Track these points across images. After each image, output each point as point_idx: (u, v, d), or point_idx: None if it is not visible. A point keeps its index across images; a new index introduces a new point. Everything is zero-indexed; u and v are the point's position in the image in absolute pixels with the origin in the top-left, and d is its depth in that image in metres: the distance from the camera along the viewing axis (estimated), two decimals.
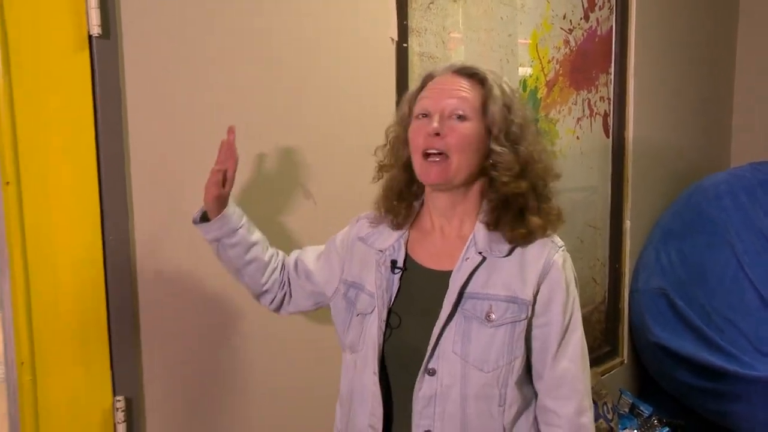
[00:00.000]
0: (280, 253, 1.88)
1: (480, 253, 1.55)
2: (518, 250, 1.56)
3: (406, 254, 1.65)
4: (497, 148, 1.54)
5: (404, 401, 1.57)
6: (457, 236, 1.61)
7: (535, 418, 1.59)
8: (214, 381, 1.97)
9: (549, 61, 2.99)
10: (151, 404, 1.84)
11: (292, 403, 2.14)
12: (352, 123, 2.20)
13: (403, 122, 1.64)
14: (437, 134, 1.52)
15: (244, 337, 2.02)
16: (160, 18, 1.77)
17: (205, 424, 1.97)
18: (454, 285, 1.54)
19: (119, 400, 1.77)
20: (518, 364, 1.53)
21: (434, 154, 1.54)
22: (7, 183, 1.57)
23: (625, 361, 3.59)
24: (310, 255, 1.85)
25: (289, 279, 1.85)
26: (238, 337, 2.01)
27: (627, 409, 3.31)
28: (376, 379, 1.58)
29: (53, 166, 1.63)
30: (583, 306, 3.28)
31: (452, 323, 1.53)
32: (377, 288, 1.62)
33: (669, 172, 3.87)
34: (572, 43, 3.10)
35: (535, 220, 1.56)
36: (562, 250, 1.59)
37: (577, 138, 3.22)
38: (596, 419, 3.16)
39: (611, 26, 3.32)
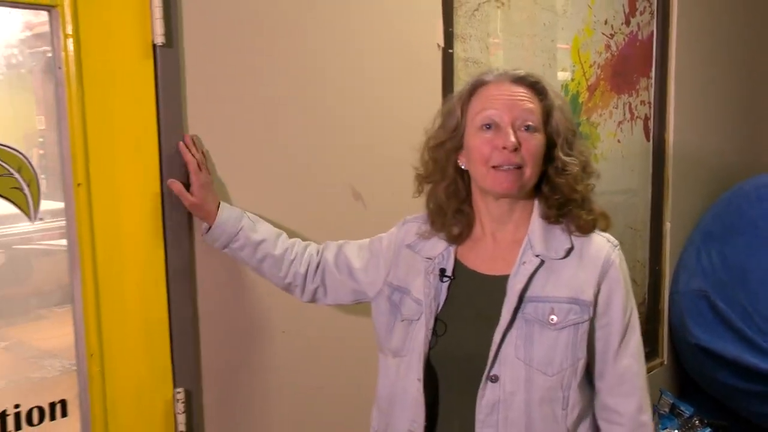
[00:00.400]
0: (301, 244, 1.86)
1: (537, 255, 1.52)
2: (575, 250, 1.53)
3: (457, 261, 1.61)
4: (563, 157, 1.53)
5: (455, 408, 1.55)
6: (511, 240, 1.58)
7: (594, 417, 1.57)
8: (266, 376, 2.02)
9: (590, 66, 3.01)
10: (209, 396, 1.89)
11: (336, 400, 2.18)
12: (400, 126, 2.23)
13: (454, 130, 1.59)
14: (516, 149, 1.48)
15: (296, 334, 2.06)
16: (219, 28, 1.83)
17: (258, 417, 2.01)
18: (512, 290, 1.50)
19: (179, 392, 1.82)
20: (581, 365, 1.50)
21: (494, 167, 1.51)
22: (79, 184, 1.63)
23: (665, 362, 3.58)
24: (353, 252, 1.81)
25: (324, 273, 1.82)
26: (290, 334, 2.05)
27: (667, 409, 3.31)
28: (420, 385, 1.55)
29: (120, 168, 1.69)
30: None
31: (514, 328, 1.49)
32: (425, 296, 1.59)
33: (709, 174, 3.85)
34: (613, 48, 3.11)
35: (595, 209, 1.56)
36: (618, 249, 1.57)
37: (618, 141, 3.22)
38: None
39: (652, 31, 3.32)
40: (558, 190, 1.53)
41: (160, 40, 1.71)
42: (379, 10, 2.17)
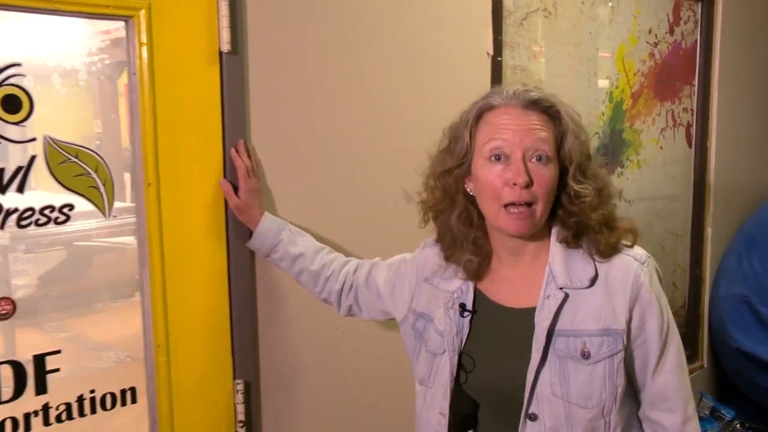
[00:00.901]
0: (340, 260, 1.84)
1: (561, 288, 1.42)
2: (600, 278, 1.42)
3: (477, 292, 1.53)
4: (575, 186, 1.42)
5: None
6: (532, 269, 1.48)
7: (637, 426, 1.51)
8: (320, 370, 2.06)
9: (635, 74, 3.01)
10: (266, 388, 1.94)
11: (384, 395, 2.21)
12: None
13: (462, 157, 1.48)
14: (528, 186, 1.37)
15: (349, 331, 2.10)
16: (280, 37, 1.88)
17: (312, 409, 2.05)
18: (540, 326, 1.41)
19: (239, 383, 1.87)
20: (621, 391, 1.42)
21: (520, 204, 1.39)
22: (149, 184, 1.68)
23: (705, 365, 3.56)
24: (381, 274, 1.77)
25: (357, 291, 1.80)
26: (343, 330, 2.09)
27: (707, 412, 3.28)
28: (443, 420, 1.52)
29: (187, 169, 1.74)
30: None
31: (546, 365, 1.41)
32: (447, 333, 1.52)
33: (751, 181, 3.82)
34: (657, 56, 3.11)
35: (618, 228, 1.45)
36: (646, 265, 1.43)
37: (661, 148, 3.22)
38: None
39: (696, 39, 3.31)
40: (573, 216, 1.43)
41: (226, 47, 1.76)
42: (431, 19, 2.21)
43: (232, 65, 1.79)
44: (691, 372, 3.38)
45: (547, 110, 1.42)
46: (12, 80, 1.49)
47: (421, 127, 2.20)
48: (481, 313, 1.52)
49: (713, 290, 3.55)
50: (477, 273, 1.52)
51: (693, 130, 3.40)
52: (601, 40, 2.84)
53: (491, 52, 2.38)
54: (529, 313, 1.44)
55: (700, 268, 3.50)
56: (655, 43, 3.09)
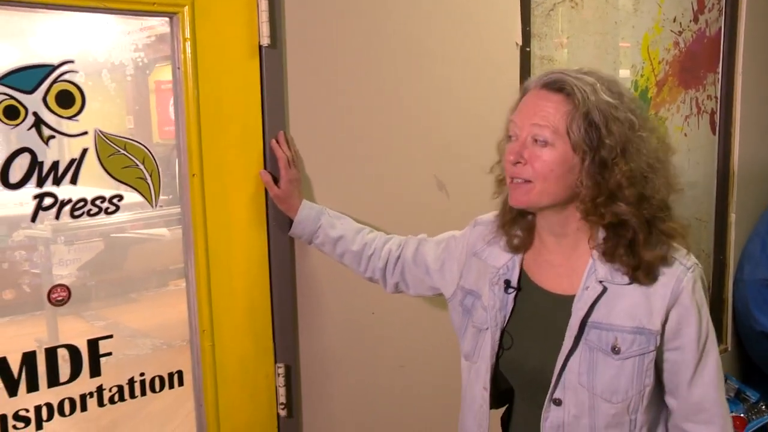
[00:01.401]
0: (381, 239, 1.83)
1: (601, 282, 1.40)
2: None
3: (522, 272, 1.52)
4: (579, 177, 1.37)
5: (527, 419, 1.52)
6: (573, 256, 1.46)
7: (663, 429, 1.49)
8: (357, 355, 2.09)
9: (659, 62, 2.99)
10: (306, 371, 1.97)
11: (420, 378, 2.24)
12: (480, 121, 2.27)
13: (508, 138, 1.49)
14: (518, 162, 1.39)
15: (385, 316, 2.13)
16: (318, 31, 1.90)
17: (349, 392, 2.09)
18: (576, 315, 1.40)
19: (280, 367, 1.90)
20: (648, 391, 1.40)
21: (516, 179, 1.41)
22: (193, 175, 1.71)
23: (729, 349, 3.55)
24: (430, 250, 1.75)
25: (404, 268, 1.79)
26: (379, 316, 2.12)
27: (732, 394, 3.28)
28: (485, 394, 1.52)
29: (229, 161, 1.77)
30: None
31: (576, 354, 1.41)
32: (491, 308, 1.52)
33: None
34: (681, 45, 3.09)
35: (646, 254, 1.37)
36: (692, 272, 1.39)
37: (685, 135, 3.20)
38: None
39: (720, 27, 3.28)
40: (596, 213, 1.38)
41: (265, 41, 1.78)
42: (462, 12, 2.21)
43: (272, 59, 1.81)
44: None
45: (561, 90, 1.37)
46: (66, 76, 1.53)
47: (452, 117, 2.22)
48: (525, 292, 1.51)
49: (737, 275, 3.53)
50: (517, 247, 1.53)
51: (717, 118, 3.37)
52: (626, 29, 2.83)
53: (520, 43, 2.38)
54: (567, 301, 1.43)
55: (724, 254, 3.48)
56: (679, 31, 3.07)
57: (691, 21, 3.12)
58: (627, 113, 1.36)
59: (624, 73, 2.87)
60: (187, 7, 1.65)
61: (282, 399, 1.91)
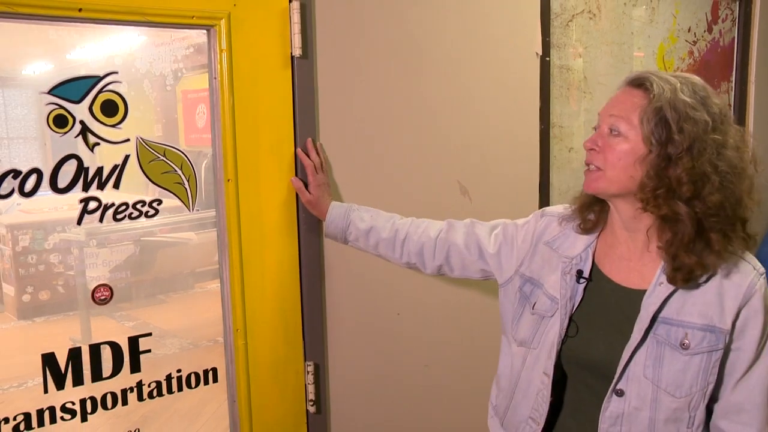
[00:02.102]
0: (414, 223, 1.80)
1: None
2: (717, 276, 1.40)
3: (594, 264, 1.52)
4: (645, 168, 1.38)
5: (579, 408, 1.50)
6: (646, 251, 1.46)
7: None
8: (382, 353, 2.11)
9: (674, 71, 3.01)
10: (334, 370, 2.00)
11: (446, 375, 2.26)
12: (502, 127, 2.30)
13: None
14: (592, 149, 1.44)
15: (409, 317, 2.15)
16: (347, 42, 1.93)
17: (375, 389, 2.11)
18: (646, 310, 1.41)
19: (309, 365, 1.93)
20: (711, 388, 1.41)
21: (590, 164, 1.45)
22: (228, 180, 1.75)
23: None
24: (485, 234, 1.73)
25: (449, 251, 1.74)
26: (405, 316, 2.14)
27: None
28: (546, 380, 1.51)
29: (262, 167, 1.80)
30: None
31: (643, 347, 1.41)
32: (561, 296, 1.51)
33: None
34: (696, 54, 3.11)
35: (688, 257, 1.36)
36: (764, 278, 1.41)
37: None
38: None
39: (733, 37, 3.29)
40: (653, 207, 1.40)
41: (297, 52, 1.81)
42: (485, 23, 2.24)
43: (303, 68, 1.84)
44: None
45: (641, 85, 1.40)
46: (110, 87, 1.57)
47: (475, 124, 2.25)
48: (595, 283, 1.51)
49: None
50: (589, 229, 1.54)
51: None
52: (642, 39, 2.85)
53: (540, 53, 2.41)
54: (637, 295, 1.43)
55: None
56: (694, 41, 3.09)
57: (705, 31, 3.13)
58: (704, 115, 1.36)
59: None
60: (223, 20, 1.69)
61: (311, 396, 1.94)
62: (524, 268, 1.62)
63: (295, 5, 1.79)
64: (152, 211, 1.67)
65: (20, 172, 1.48)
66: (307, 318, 1.93)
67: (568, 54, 2.55)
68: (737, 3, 3.28)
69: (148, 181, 1.66)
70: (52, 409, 1.57)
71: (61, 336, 1.60)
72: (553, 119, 2.52)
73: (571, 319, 1.50)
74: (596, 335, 1.48)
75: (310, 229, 1.89)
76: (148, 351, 1.69)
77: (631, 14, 2.80)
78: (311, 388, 1.94)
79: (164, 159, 1.68)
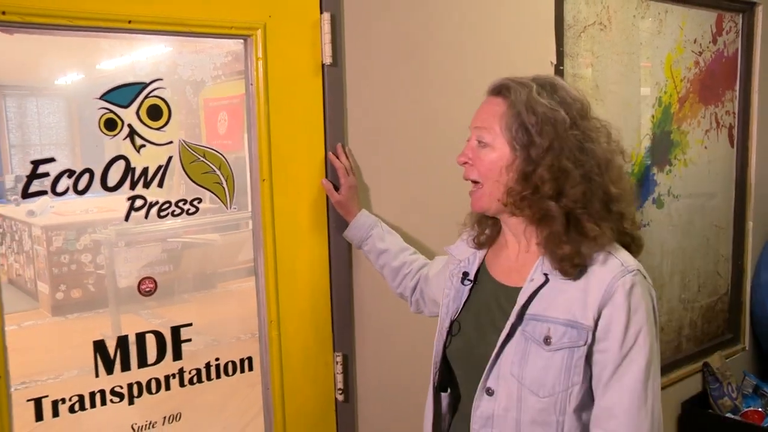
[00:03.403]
0: (420, 261, 1.84)
1: (545, 274, 1.35)
2: (586, 272, 1.33)
3: (483, 267, 1.50)
4: (510, 175, 1.36)
5: (465, 409, 1.46)
6: (528, 252, 1.42)
7: None
8: (407, 346, 2.12)
9: (681, 80, 3.02)
10: (361, 360, 2.02)
11: None
12: None
13: None
14: (466, 163, 1.42)
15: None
16: (375, 51, 1.96)
17: (401, 378, 2.12)
18: (517, 305, 1.35)
19: (338, 356, 1.96)
20: (577, 391, 1.31)
21: (472, 182, 1.43)
22: (263, 180, 1.78)
23: (747, 348, 3.54)
24: (436, 266, 1.77)
25: (423, 286, 1.79)
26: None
27: (751, 390, 3.27)
28: (431, 386, 1.52)
29: (295, 168, 1.83)
30: (707, 297, 3.31)
31: (512, 343, 1.35)
32: (444, 297, 1.51)
33: None
34: (702, 64, 3.12)
35: (563, 247, 1.32)
36: (633, 275, 1.31)
37: (705, 148, 3.22)
38: (721, 397, 3.16)
39: (737, 48, 3.30)
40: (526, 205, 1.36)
41: (328, 60, 1.85)
42: (503, 33, 2.27)
43: (333, 76, 1.87)
44: (733, 354, 3.42)
45: (500, 94, 1.39)
46: (155, 92, 1.61)
47: None
48: (480, 284, 1.48)
49: (754, 279, 3.53)
50: (481, 244, 1.51)
51: (735, 132, 3.38)
52: (650, 49, 2.87)
53: (554, 62, 2.43)
54: (515, 292, 1.38)
55: (741, 259, 3.48)
56: (699, 51, 3.10)
57: (710, 42, 3.14)
58: (561, 113, 1.33)
59: (645, 91, 2.90)
60: (260, 30, 1.73)
61: (339, 385, 1.96)
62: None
63: (326, 16, 1.82)
64: (193, 209, 1.71)
65: (74, 172, 1.52)
66: (336, 311, 1.95)
67: (580, 63, 2.57)
68: (741, 16, 3.29)
69: (189, 180, 1.69)
70: (102, 392, 1.61)
71: (118, 325, 1.64)
72: None
73: (456, 320, 1.48)
74: (475, 333, 1.44)
75: (339, 227, 1.92)
76: (189, 340, 1.72)
77: (640, 26, 2.82)
78: (340, 378, 1.96)
79: (204, 160, 1.71)
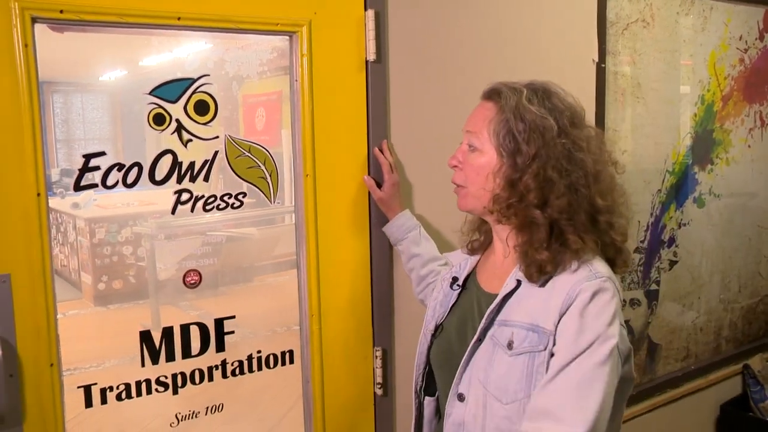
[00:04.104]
0: (441, 272, 1.78)
1: (518, 280, 1.32)
2: (553, 278, 1.28)
3: (473, 273, 1.48)
4: (497, 181, 1.33)
5: (443, 413, 1.43)
6: (508, 258, 1.38)
7: None
8: None
9: (725, 78, 2.97)
10: (400, 355, 2.02)
11: None
12: None
13: None
14: (456, 167, 1.40)
15: None
16: (418, 48, 1.96)
17: None
18: (489, 309, 1.33)
19: (377, 350, 1.96)
20: None
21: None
22: (307, 175, 1.79)
23: None
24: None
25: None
26: None
27: None
28: (420, 380, 1.51)
29: (338, 163, 1.84)
30: (748, 298, 3.25)
31: (481, 348, 1.32)
32: (432, 300, 1.51)
33: None
34: (747, 61, 3.06)
35: (540, 253, 1.28)
36: (602, 281, 1.25)
37: (749, 147, 3.16)
38: (762, 400, 3.10)
39: None
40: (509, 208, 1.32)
41: (372, 56, 1.85)
42: (545, 31, 2.25)
43: (377, 72, 1.87)
44: None
45: (492, 98, 1.37)
46: (203, 88, 1.63)
47: None
48: (468, 290, 1.46)
49: None
50: (473, 249, 1.50)
51: None
52: (694, 46, 2.82)
53: (596, 60, 2.41)
54: (494, 298, 1.35)
55: None
56: (745, 48, 3.04)
57: (756, 39, 3.08)
58: (550, 121, 1.29)
59: (687, 89, 2.86)
60: (305, 27, 1.73)
61: (378, 379, 1.97)
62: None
63: (370, 13, 1.83)
64: (237, 203, 1.72)
65: (123, 165, 1.55)
66: (376, 306, 1.96)
67: (622, 60, 2.53)
68: None
69: (233, 175, 1.71)
70: (148, 381, 1.63)
71: (163, 316, 1.67)
72: (608, 123, 2.52)
73: (442, 323, 1.47)
74: (455, 337, 1.42)
75: (380, 223, 1.92)
76: (232, 332, 1.74)
77: (683, 23, 2.77)
78: (379, 372, 1.97)
79: (249, 155, 1.73)
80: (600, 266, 1.28)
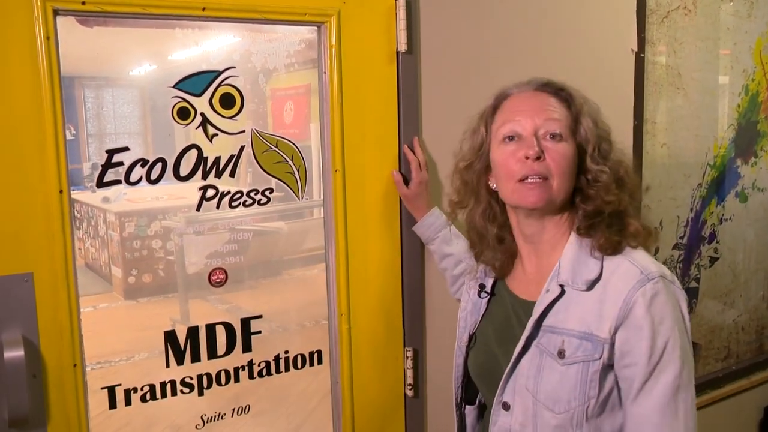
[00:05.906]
0: None
1: (561, 285, 1.28)
2: (602, 281, 1.25)
3: (502, 279, 1.44)
4: (594, 167, 1.29)
5: (486, 420, 1.41)
6: (546, 264, 1.34)
7: None
8: None
9: None
10: (432, 356, 1.96)
11: None
12: None
13: (479, 149, 1.39)
14: (538, 158, 1.26)
15: None
16: (451, 38, 1.89)
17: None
18: (533, 316, 1.29)
19: (408, 351, 1.91)
20: (593, 404, 1.23)
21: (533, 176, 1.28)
22: (336, 170, 1.74)
23: None
24: None
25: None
26: None
27: None
28: (453, 401, 1.49)
29: (367, 158, 1.78)
30: None
31: (527, 356, 1.29)
32: (461, 310, 1.48)
33: None
34: None
35: (633, 226, 1.29)
36: (654, 283, 1.22)
37: None
38: None
39: None
40: (589, 201, 1.29)
41: (403, 47, 1.79)
42: (582, 20, 2.17)
43: (408, 64, 1.81)
44: None
45: (558, 93, 1.34)
46: (228, 81, 1.58)
47: None
48: (498, 297, 1.43)
49: None
50: (502, 270, 1.43)
51: None
52: (738, 34, 2.71)
53: (635, 49, 2.32)
54: (531, 305, 1.32)
55: None
56: None
57: None
58: (603, 120, 1.35)
59: (726, 79, 2.75)
60: (333, 17, 1.68)
61: (409, 380, 1.91)
62: None
63: (401, 2, 1.76)
64: (264, 199, 1.68)
65: (147, 161, 1.51)
66: (407, 305, 1.90)
67: (662, 50, 2.44)
68: None
69: (260, 170, 1.66)
70: (173, 383, 1.60)
71: (186, 314, 1.64)
72: (647, 115, 2.42)
73: (475, 333, 1.44)
74: (491, 346, 1.39)
75: (411, 221, 1.86)
76: (259, 332, 1.70)
77: (728, 9, 2.66)
78: (410, 373, 1.91)
79: (277, 150, 1.68)
80: (647, 262, 1.26)
